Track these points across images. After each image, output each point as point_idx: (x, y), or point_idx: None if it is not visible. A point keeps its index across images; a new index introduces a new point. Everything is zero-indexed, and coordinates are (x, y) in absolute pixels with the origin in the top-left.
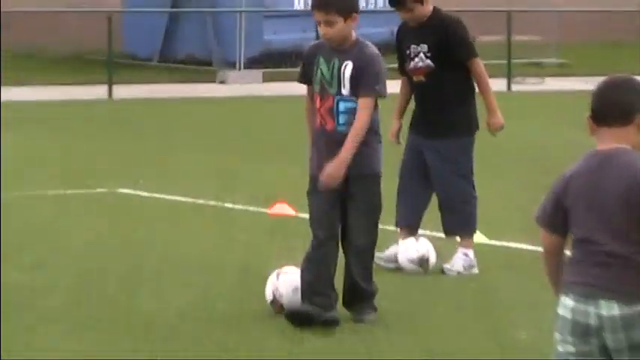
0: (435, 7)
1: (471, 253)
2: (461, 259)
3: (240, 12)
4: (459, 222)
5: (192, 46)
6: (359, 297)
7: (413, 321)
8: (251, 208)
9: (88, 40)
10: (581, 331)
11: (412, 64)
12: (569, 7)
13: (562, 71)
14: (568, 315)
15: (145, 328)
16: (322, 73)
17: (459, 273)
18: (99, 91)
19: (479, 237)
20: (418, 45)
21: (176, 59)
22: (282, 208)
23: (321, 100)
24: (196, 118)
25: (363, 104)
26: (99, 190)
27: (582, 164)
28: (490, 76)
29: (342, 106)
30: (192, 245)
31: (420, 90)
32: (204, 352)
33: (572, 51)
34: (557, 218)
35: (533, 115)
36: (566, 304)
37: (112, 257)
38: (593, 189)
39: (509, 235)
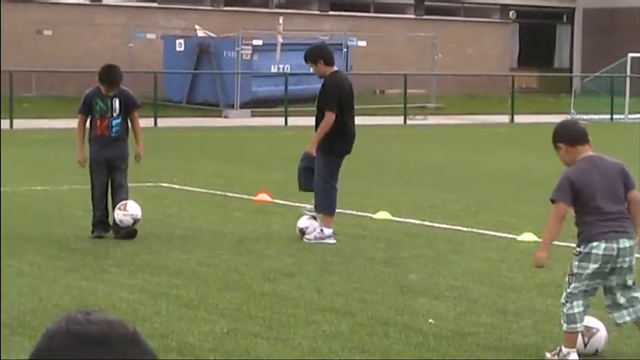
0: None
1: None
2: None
3: (237, 73)
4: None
5: (207, 94)
6: None
7: (347, 269)
8: (244, 196)
9: (141, 89)
10: (606, 259)
11: None
12: (443, 72)
13: (438, 112)
14: (600, 252)
15: (177, 271)
16: None
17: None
18: (148, 122)
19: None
20: None
21: (197, 102)
22: (264, 197)
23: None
24: (209, 140)
25: None
26: (148, 184)
27: (579, 166)
28: (392, 115)
29: None
30: (206, 219)
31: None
32: (213, 287)
33: (444, 99)
34: (568, 198)
35: (422, 140)
36: (599, 246)
37: (156, 225)
38: (598, 176)
39: (411, 214)
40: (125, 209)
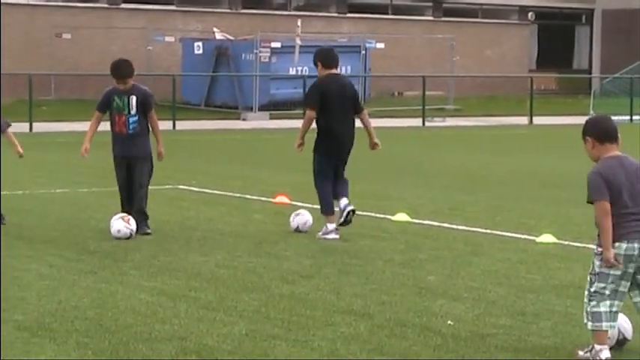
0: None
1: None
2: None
3: (256, 76)
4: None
5: (225, 96)
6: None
7: (365, 270)
8: (262, 198)
9: (159, 92)
10: (628, 259)
11: None
12: (462, 73)
13: (456, 114)
14: (622, 252)
15: (195, 273)
16: None
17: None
18: (167, 125)
19: (404, 217)
20: None
21: (215, 105)
22: (282, 199)
23: None
24: (228, 142)
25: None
26: (167, 186)
27: (607, 163)
28: (410, 117)
29: None
30: (224, 221)
31: None
32: (231, 289)
33: (462, 101)
34: (607, 194)
35: (441, 141)
36: (621, 247)
37: (175, 227)
38: (624, 175)
39: (429, 215)
40: (128, 222)
